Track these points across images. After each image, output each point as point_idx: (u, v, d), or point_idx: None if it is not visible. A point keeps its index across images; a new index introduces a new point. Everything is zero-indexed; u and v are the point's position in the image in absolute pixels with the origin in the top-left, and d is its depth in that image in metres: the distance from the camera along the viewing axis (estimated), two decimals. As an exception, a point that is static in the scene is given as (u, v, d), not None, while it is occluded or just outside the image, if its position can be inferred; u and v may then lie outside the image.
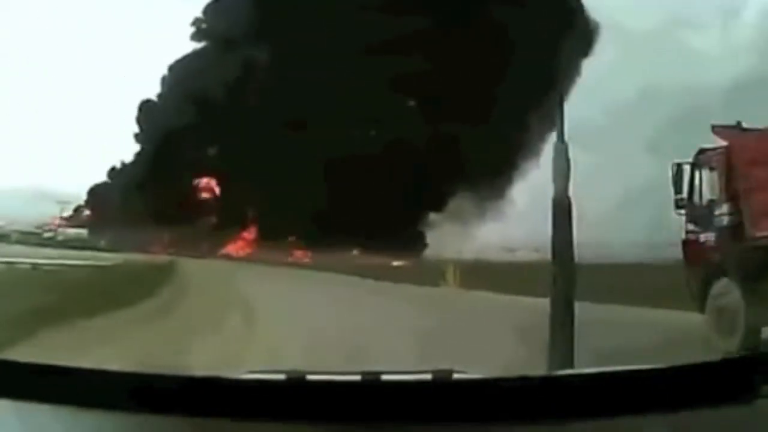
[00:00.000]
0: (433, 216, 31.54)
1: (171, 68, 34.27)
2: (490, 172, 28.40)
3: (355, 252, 28.41)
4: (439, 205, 30.98)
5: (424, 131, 28.54)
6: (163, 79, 34.33)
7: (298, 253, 29.72)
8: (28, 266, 18.09)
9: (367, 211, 27.67)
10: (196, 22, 34.37)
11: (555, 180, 5.06)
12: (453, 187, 30.00)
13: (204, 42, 34.56)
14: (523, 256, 21.06)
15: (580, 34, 27.51)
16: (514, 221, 25.27)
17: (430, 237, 31.48)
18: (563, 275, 4.76)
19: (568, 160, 5.25)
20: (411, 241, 29.88)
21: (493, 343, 6.31)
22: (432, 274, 19.61)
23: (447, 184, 29.89)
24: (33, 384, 1.54)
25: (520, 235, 21.88)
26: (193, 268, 22.31)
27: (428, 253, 30.09)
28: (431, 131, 28.33)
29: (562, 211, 4.92)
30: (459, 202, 30.05)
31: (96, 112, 37.77)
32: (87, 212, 36.65)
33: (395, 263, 27.02)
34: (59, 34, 38.01)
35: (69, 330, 8.02)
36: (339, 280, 20.38)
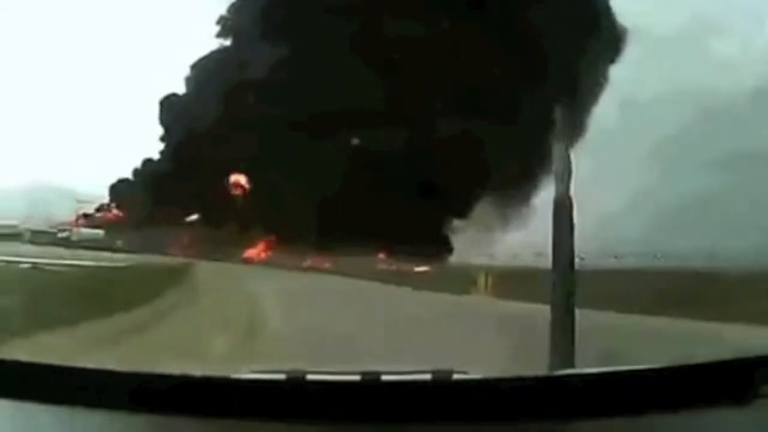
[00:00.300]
0: (457, 221, 31.30)
1: (194, 66, 34.12)
2: (516, 176, 28.31)
3: (379, 256, 28.14)
4: (463, 210, 30.78)
5: (449, 132, 28.31)
6: (186, 78, 34.11)
7: (318, 257, 29.39)
8: (27, 266, 17.96)
9: (390, 215, 27.50)
10: (220, 20, 34.27)
11: (556, 181, 5.06)
12: (478, 191, 29.83)
13: (227, 39, 34.44)
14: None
15: (607, 39, 27.58)
16: (543, 225, 25.20)
17: (455, 242, 31.20)
18: (563, 277, 4.76)
19: (569, 161, 5.26)
20: (436, 245, 29.65)
21: (517, 353, 6.12)
22: (459, 280, 19.26)
23: (472, 188, 29.67)
24: (33, 384, 1.56)
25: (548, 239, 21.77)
26: (206, 271, 22.09)
27: (454, 258, 29.84)
28: (456, 133, 28.11)
29: (562, 212, 4.92)
30: (484, 206, 29.90)
31: (117, 110, 37.41)
32: (104, 212, 36.48)
33: (420, 269, 26.80)
34: (75, 29, 37.71)
35: (39, 334, 7.70)
36: (360, 285, 20.07)
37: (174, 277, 18.51)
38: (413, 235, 27.77)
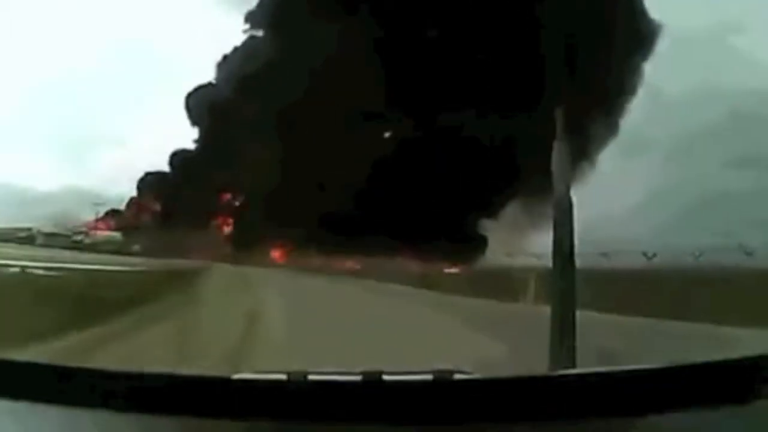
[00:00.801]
0: (485, 221, 30.96)
1: (222, 63, 33.77)
2: (546, 176, 27.77)
3: (401, 258, 27.76)
4: (491, 209, 30.44)
5: (477, 130, 27.99)
6: (216, 74, 33.82)
7: (342, 259, 28.88)
8: (17, 269, 17.69)
9: (416, 213, 27.23)
10: (249, 16, 34.04)
11: (555, 181, 5.07)
12: (507, 190, 29.51)
13: (261, 32, 34.16)
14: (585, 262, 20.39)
15: (641, 37, 27.56)
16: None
17: (484, 242, 30.86)
18: (564, 278, 4.77)
19: (568, 160, 5.27)
20: (466, 246, 29.27)
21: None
22: (491, 283, 18.82)
23: (500, 186, 29.38)
24: (33, 384, 1.56)
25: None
26: (219, 274, 21.89)
27: (485, 259, 29.47)
28: (485, 130, 27.80)
29: (562, 212, 4.93)
30: (513, 206, 29.53)
31: (135, 110, 36.90)
32: (122, 214, 36.12)
33: (450, 270, 26.37)
34: (93, 28, 37.28)
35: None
36: (380, 288, 19.74)
37: (185, 280, 18.28)
38: (440, 235, 27.39)
